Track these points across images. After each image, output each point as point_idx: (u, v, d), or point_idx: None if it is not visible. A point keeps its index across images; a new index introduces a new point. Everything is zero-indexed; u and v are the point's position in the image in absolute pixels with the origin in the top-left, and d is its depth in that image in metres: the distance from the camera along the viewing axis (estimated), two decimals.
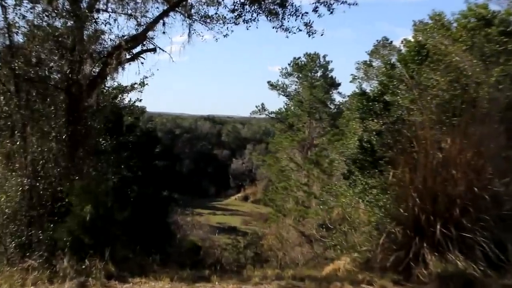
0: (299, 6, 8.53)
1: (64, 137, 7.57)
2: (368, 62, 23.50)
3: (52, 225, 6.98)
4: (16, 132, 7.50)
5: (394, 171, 7.32)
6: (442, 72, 7.73)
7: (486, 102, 6.77)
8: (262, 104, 34.29)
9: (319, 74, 33.14)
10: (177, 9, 8.95)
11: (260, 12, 8.54)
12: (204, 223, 37.33)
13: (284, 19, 8.56)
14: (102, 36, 8.05)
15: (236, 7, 8.59)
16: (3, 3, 7.26)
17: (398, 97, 8.80)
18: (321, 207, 18.03)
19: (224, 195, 64.84)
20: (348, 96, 29.78)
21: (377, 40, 24.77)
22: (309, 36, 8.68)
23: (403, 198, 7.18)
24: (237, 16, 8.65)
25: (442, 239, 6.07)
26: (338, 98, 35.40)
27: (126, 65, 8.33)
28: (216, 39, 9.08)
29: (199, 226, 34.56)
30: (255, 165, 63.37)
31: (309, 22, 8.57)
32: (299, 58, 33.40)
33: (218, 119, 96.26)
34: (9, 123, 7.59)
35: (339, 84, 33.38)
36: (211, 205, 56.74)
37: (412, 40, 10.28)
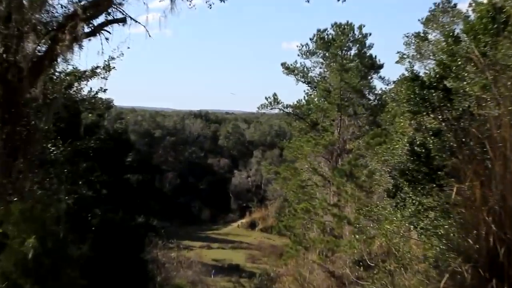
0: None
1: None
2: (422, 35, 23.22)
3: None
4: None
5: (459, 186, 7.17)
6: None
7: None
8: (274, 95, 34.23)
9: (353, 52, 33.11)
10: None
11: None
12: (195, 260, 37.30)
13: None
14: (50, 1, 8.00)
15: None
16: None
17: (465, 82, 8.69)
18: (357, 236, 17.96)
19: (223, 221, 65.25)
20: (394, 82, 29.80)
21: (434, 4, 24.07)
22: None
23: (473, 224, 7.03)
24: None
25: None
26: (380, 85, 35.47)
27: (85, 42, 8.28)
28: (210, 5, 9.03)
29: (188, 264, 34.53)
30: (265, 179, 63.46)
31: None
32: (325, 30, 33.40)
33: (214, 116, 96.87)
34: None
35: (381, 66, 33.28)
36: (205, 235, 56.95)
37: (485, 1, 10.15)
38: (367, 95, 33.56)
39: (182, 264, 33.48)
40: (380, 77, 33.77)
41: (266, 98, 34.05)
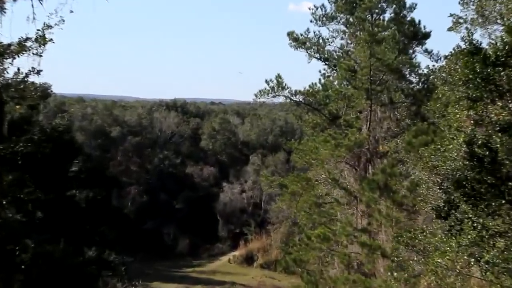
0: None
1: None
2: None
3: None
4: None
5: None
6: None
7: None
8: (278, 77, 34.02)
9: (388, 16, 33.01)
10: None
11: None
12: None
13: None
14: None
15: None
16: None
17: None
18: (395, 274, 17.92)
19: (208, 254, 65.45)
20: (446, 57, 29.58)
21: None
22: None
23: None
24: None
25: None
26: (426, 62, 35.21)
27: (7, 3, 8.14)
28: None
29: None
30: (266, 195, 63.43)
31: None
32: None
33: (194, 108, 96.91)
34: None
35: (427, 35, 33.10)
36: (183, 274, 57.13)
37: None
38: (408, 76, 33.35)
39: None
40: (426, 50, 33.58)
41: (267, 82, 33.76)
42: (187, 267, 60.08)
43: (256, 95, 34.21)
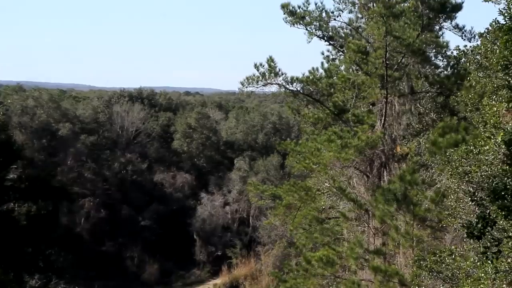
0: None
1: None
2: None
3: None
4: None
5: None
6: None
7: None
8: (270, 60, 34.03)
9: None
10: None
11: None
12: None
13: None
14: None
15: None
16: None
17: None
18: None
19: (182, 283, 65.48)
20: (481, 35, 29.59)
21: None
22: None
23: None
24: None
25: None
26: (456, 41, 35.04)
27: None
28: None
29: None
30: (256, 209, 63.32)
31: None
32: None
33: (165, 99, 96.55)
34: None
35: (457, 7, 33.14)
36: None
37: None
38: (434, 59, 33.41)
39: None
40: (456, 26, 33.59)
41: (257, 67, 33.77)
42: None
43: (242, 83, 34.12)
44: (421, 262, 18.06)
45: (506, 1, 18.05)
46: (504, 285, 10.60)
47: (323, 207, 32.15)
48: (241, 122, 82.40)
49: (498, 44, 11.05)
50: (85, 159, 73.61)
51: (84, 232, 65.55)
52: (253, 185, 43.01)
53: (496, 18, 15.55)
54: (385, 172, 30.80)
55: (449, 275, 15.96)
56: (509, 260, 10.17)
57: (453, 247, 17.87)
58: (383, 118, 31.18)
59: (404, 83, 32.25)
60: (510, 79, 9.69)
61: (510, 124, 10.70)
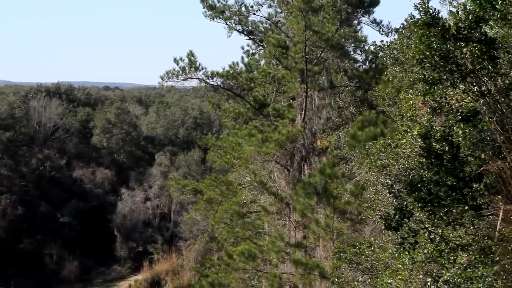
0: None
1: None
2: None
3: None
4: None
5: (509, 208, 7.30)
6: None
7: None
8: (191, 55, 33.95)
9: None
10: None
11: None
12: None
13: None
14: None
15: None
16: None
17: None
18: None
19: (103, 279, 64.88)
20: (397, 30, 29.95)
21: None
22: None
23: None
24: None
25: None
26: (374, 36, 35.31)
27: None
28: None
29: None
30: (177, 204, 63.01)
31: None
32: None
33: (83, 94, 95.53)
34: None
35: (375, 2, 33.50)
36: None
37: None
38: (352, 53, 33.73)
39: None
40: (374, 21, 34.03)
41: (176, 61, 33.68)
42: None
43: (162, 78, 34.02)
44: (341, 254, 18.19)
45: None
46: (420, 275, 10.75)
47: (244, 201, 32.17)
48: (162, 117, 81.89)
49: (413, 38, 11.18)
50: (1, 156, 72.21)
51: (0, 230, 64.25)
52: (174, 180, 42.87)
53: (411, 13, 15.74)
54: (305, 165, 30.97)
55: (368, 266, 16.14)
56: (425, 251, 10.31)
57: (372, 239, 18.05)
58: (303, 112, 31.36)
59: (323, 77, 32.51)
60: (425, 73, 9.81)
61: (426, 118, 10.84)
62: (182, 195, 44.49)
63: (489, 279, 8.49)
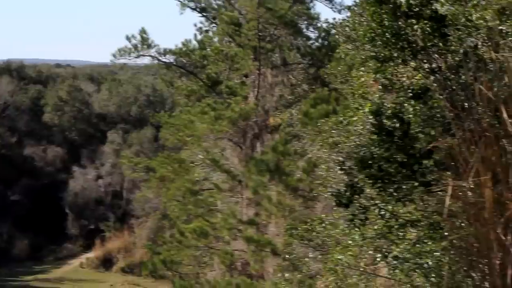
0: None
1: None
2: None
3: None
4: None
5: (458, 184, 7.34)
6: None
7: None
8: (143, 32, 33.74)
9: None
10: None
11: None
12: None
13: None
14: None
15: None
16: None
17: (468, 5, 8.83)
18: (287, 275, 18.14)
19: (54, 257, 64.66)
20: (350, 8, 29.99)
21: None
22: None
23: (480, 248, 7.24)
24: None
25: None
26: (326, 14, 35.32)
27: None
28: None
29: None
30: (129, 182, 62.74)
31: None
32: None
33: (35, 71, 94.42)
34: None
35: None
36: (21, 283, 56.33)
37: None
38: (305, 30, 33.71)
39: None
40: None
41: (129, 39, 33.44)
42: (27, 274, 58.94)
43: (114, 55, 33.77)
44: (293, 231, 18.25)
45: None
46: (370, 251, 10.81)
47: (197, 179, 32.08)
48: (114, 95, 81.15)
49: (365, 16, 11.18)
50: None
51: None
52: (127, 158, 42.81)
53: None
54: (258, 143, 30.96)
55: (320, 243, 16.20)
56: (375, 227, 10.37)
57: (323, 215, 18.10)
58: (256, 89, 31.31)
59: (276, 55, 32.48)
60: (377, 50, 9.82)
61: (377, 95, 10.85)
62: (134, 173, 44.29)
63: (438, 254, 8.56)
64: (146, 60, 35.19)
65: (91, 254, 62.32)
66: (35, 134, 76.99)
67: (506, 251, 6.90)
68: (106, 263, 60.66)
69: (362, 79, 12.41)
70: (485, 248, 7.18)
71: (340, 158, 13.80)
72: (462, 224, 7.82)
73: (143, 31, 33.16)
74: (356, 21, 16.95)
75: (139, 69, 73.06)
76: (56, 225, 65.03)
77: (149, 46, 33.65)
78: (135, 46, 33.32)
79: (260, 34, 30.52)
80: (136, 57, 33.84)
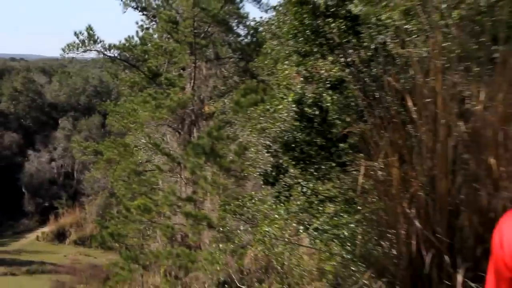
0: None
1: None
2: None
3: None
4: None
5: (369, 165, 7.37)
6: None
7: None
8: (89, 28, 33.31)
9: None
10: None
11: None
12: None
13: None
14: None
15: None
16: None
17: (379, 7, 8.87)
18: (221, 246, 18.16)
19: (12, 232, 63.87)
20: (275, 8, 30.12)
21: None
22: None
23: (389, 220, 7.29)
24: None
25: None
26: (254, 13, 35.45)
27: None
28: None
29: None
30: (79, 164, 62.29)
31: None
32: None
33: None
34: None
35: None
36: None
37: None
38: (236, 28, 33.71)
39: None
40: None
41: (76, 35, 33.01)
42: None
43: (63, 50, 33.33)
44: (226, 207, 18.21)
45: None
46: (294, 224, 10.83)
47: (140, 161, 31.94)
48: (64, 86, 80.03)
49: (288, 15, 11.17)
50: None
51: None
52: (77, 143, 42.33)
53: None
54: (194, 129, 30.92)
55: (250, 217, 16.20)
56: (298, 203, 10.39)
57: (253, 193, 18.10)
58: (193, 81, 31.25)
59: (210, 50, 32.46)
60: (298, 46, 9.83)
61: (299, 86, 10.86)
62: (84, 156, 43.88)
63: (352, 226, 8.61)
64: (92, 54, 34.90)
65: (46, 229, 61.67)
66: None
67: (411, 222, 6.95)
68: (60, 236, 60.08)
69: (286, 71, 12.39)
70: (392, 220, 7.23)
71: (267, 142, 13.79)
72: (373, 200, 7.85)
73: (89, 28, 32.85)
74: (281, 20, 16.94)
75: (86, 62, 72.43)
76: (13, 203, 64.22)
77: (95, 42, 33.32)
78: (83, 42, 32.96)
79: (195, 31, 30.42)
80: (83, 52, 33.51)
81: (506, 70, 6.52)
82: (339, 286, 8.61)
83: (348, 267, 8.30)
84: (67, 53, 33.34)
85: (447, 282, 6.42)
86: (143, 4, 34.35)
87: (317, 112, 9.72)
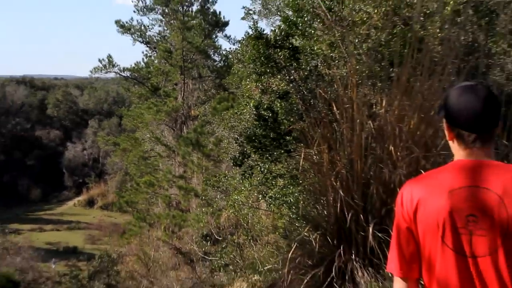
0: None
1: None
2: None
3: None
4: None
5: (307, 151, 7.34)
6: (376, 0, 7.85)
7: (438, 44, 7.02)
8: (109, 56, 32.93)
9: (195, 8, 32.96)
10: None
11: None
12: (25, 244, 35.40)
13: None
14: None
15: None
16: None
17: (312, 41, 8.83)
18: (204, 210, 18.08)
19: (57, 200, 63.04)
20: (240, 41, 30.13)
21: None
22: None
23: (321, 190, 7.25)
24: None
25: (377, 247, 6.20)
26: (225, 45, 35.61)
27: None
28: None
29: (16, 250, 32.61)
30: (103, 152, 61.67)
31: None
32: None
33: (40, 83, 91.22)
34: None
35: (226, 24, 33.45)
36: (36, 217, 54.54)
37: None
38: (212, 55, 33.76)
39: (8, 250, 31.72)
40: (225, 35, 34.00)
41: (100, 61, 32.81)
42: (40, 211, 57.32)
43: (91, 71, 33.36)
44: (207, 182, 18.09)
45: (253, 20, 18.29)
46: (255, 193, 10.79)
47: (146, 150, 31.80)
48: (92, 97, 78.93)
49: (249, 46, 11.10)
50: None
51: None
52: (101, 137, 42.18)
53: (247, 31, 15.78)
54: (184, 127, 30.88)
55: (224, 189, 16.09)
56: (258, 179, 10.35)
57: (226, 172, 18.01)
58: (183, 93, 31.31)
59: (195, 71, 32.54)
60: (256, 68, 9.77)
61: (257, 96, 10.79)
62: (106, 146, 43.64)
63: (296, 194, 8.58)
64: (112, 75, 34.99)
65: (80, 198, 61.22)
66: (42, 122, 74.48)
67: (336, 192, 6.94)
68: (90, 203, 59.61)
69: (248, 86, 12.31)
70: (324, 190, 7.21)
71: (236, 136, 13.72)
72: (310, 176, 7.81)
73: (109, 56, 32.78)
74: (244, 50, 16.85)
75: (108, 80, 71.70)
76: (57, 180, 63.78)
77: (114, 66, 33.12)
78: (104, 66, 32.77)
79: (184, 58, 30.48)
80: (105, 73, 33.49)
81: (399, 85, 6.56)
82: (287, 237, 8.57)
83: (294, 224, 8.27)
84: (94, 74, 33.36)
85: (362, 233, 6.42)
86: (147, 39, 34.45)
87: (270, 115, 9.68)
